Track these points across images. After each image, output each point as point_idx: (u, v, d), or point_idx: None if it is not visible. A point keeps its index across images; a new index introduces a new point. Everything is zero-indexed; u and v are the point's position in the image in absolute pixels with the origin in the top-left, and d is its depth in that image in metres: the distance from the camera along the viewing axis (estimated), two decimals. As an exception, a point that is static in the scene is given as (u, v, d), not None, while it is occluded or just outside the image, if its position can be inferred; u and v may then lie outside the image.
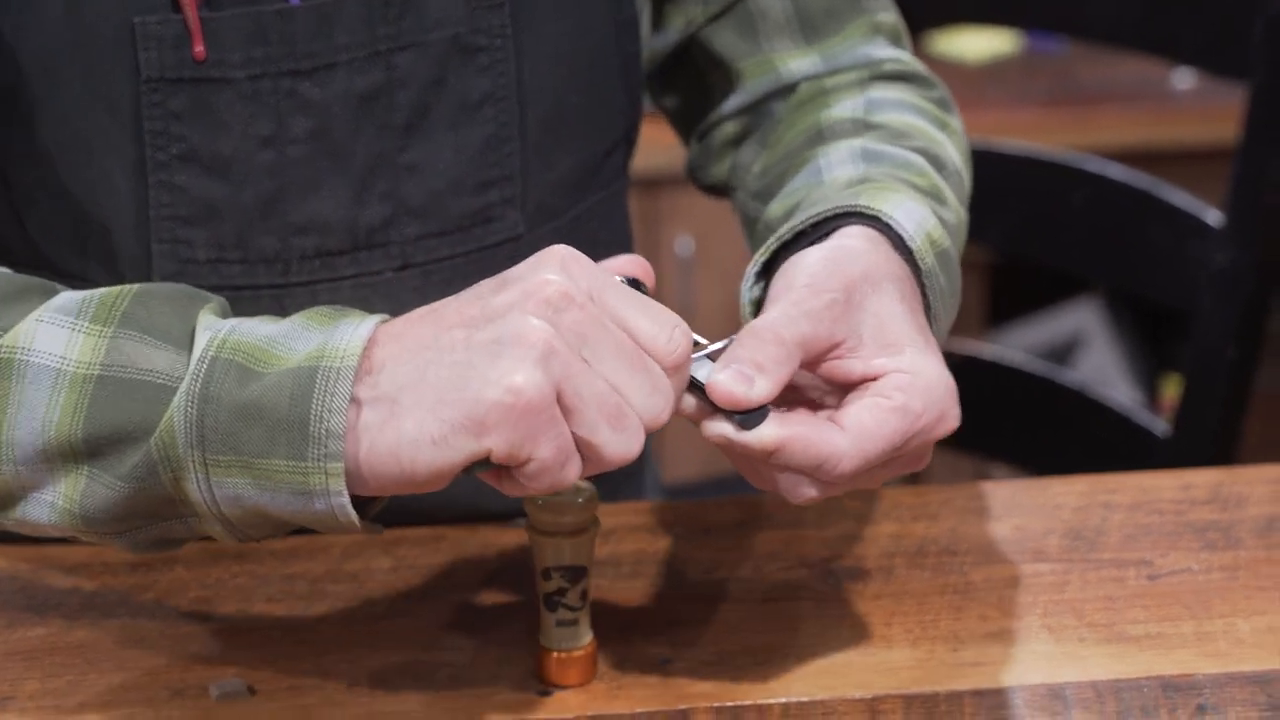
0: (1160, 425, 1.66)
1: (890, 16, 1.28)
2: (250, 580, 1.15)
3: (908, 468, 1.00)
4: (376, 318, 0.95)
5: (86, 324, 0.97)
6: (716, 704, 1.03)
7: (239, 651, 1.08)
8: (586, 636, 1.05)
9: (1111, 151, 2.25)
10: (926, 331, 1.01)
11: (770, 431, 0.95)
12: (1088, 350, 2.69)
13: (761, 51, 1.25)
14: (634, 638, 1.08)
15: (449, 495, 1.19)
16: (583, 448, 0.92)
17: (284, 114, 1.12)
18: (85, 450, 0.96)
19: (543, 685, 1.05)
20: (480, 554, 1.17)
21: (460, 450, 0.91)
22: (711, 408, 0.96)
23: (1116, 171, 1.69)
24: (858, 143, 1.16)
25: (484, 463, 0.92)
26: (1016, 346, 2.68)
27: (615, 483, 1.28)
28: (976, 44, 2.58)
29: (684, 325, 0.94)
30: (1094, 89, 2.48)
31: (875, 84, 1.23)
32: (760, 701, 1.03)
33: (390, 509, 1.19)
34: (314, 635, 1.10)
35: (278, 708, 1.04)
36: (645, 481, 1.35)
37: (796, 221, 1.06)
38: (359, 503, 0.95)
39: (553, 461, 0.90)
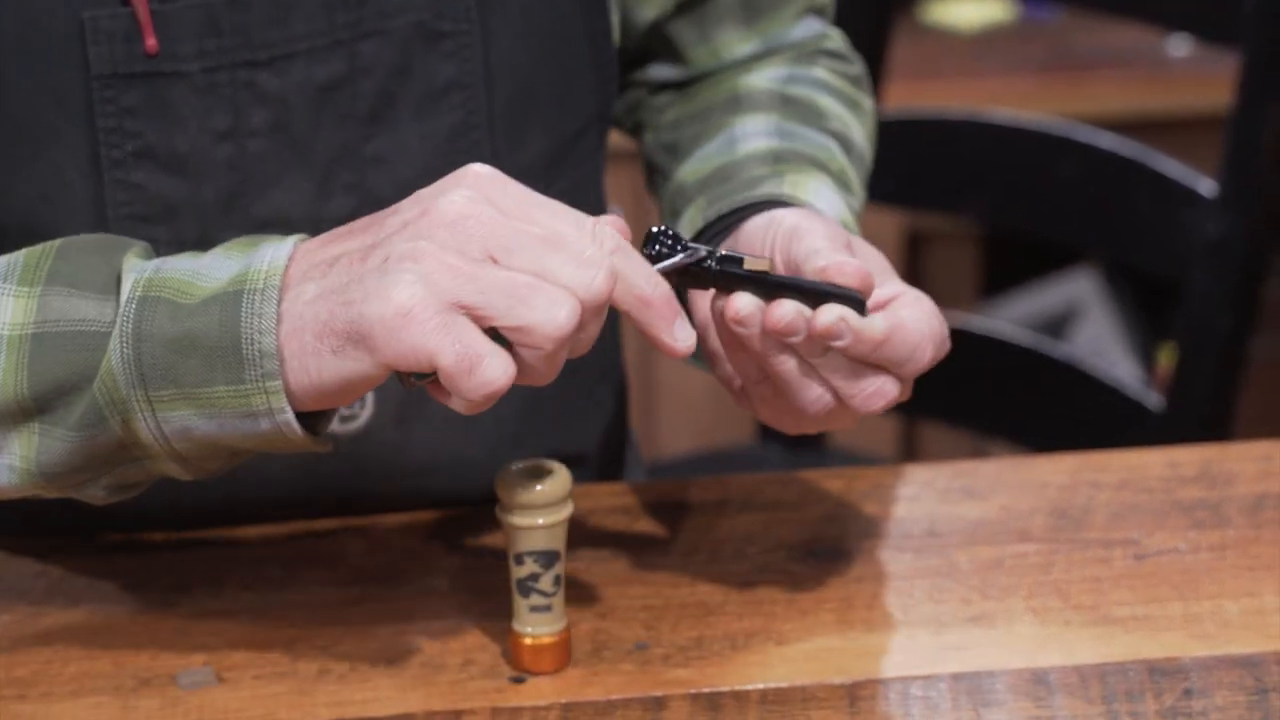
0: (1153, 398, 1.64)
1: None
2: (221, 565, 1.14)
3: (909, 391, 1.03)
4: (295, 237, 0.97)
5: (14, 286, 0.98)
6: (694, 690, 1.01)
7: (208, 638, 1.07)
8: (561, 622, 1.03)
9: (1106, 119, 2.23)
10: None
11: (880, 318, 0.99)
12: (1084, 320, 2.67)
13: (709, 41, 1.26)
14: (610, 622, 1.07)
15: (422, 482, 1.18)
16: (512, 338, 0.92)
17: (241, 106, 1.10)
18: (34, 407, 0.97)
19: (517, 671, 1.03)
20: (454, 538, 1.15)
21: (358, 361, 0.93)
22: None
23: (1107, 140, 1.67)
24: (774, 118, 1.19)
25: (413, 375, 0.93)
26: (1011, 317, 2.66)
27: (597, 463, 1.26)
28: (971, 12, 2.55)
29: (604, 222, 0.94)
30: (1088, 56, 2.46)
31: (799, 59, 1.26)
32: (738, 688, 1.01)
33: (365, 495, 1.18)
34: (285, 621, 1.08)
35: (246, 696, 1.02)
36: (627, 460, 1.33)
37: (723, 205, 1.10)
38: (308, 419, 0.97)
39: (457, 366, 0.91)
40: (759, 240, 1.05)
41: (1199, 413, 1.63)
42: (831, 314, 0.98)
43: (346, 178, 1.12)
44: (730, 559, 1.12)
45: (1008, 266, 2.67)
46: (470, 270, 0.91)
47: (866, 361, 1.00)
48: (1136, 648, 1.03)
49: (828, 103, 1.23)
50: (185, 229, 1.11)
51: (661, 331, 0.95)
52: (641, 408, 2.43)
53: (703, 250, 0.99)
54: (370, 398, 1.15)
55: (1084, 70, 2.44)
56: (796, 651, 1.04)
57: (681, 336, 0.96)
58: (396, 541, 1.15)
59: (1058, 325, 2.66)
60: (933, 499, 1.17)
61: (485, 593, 1.09)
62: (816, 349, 0.99)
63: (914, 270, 2.52)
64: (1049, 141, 1.70)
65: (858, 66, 1.29)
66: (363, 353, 0.92)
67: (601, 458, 1.27)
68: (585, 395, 1.24)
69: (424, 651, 1.05)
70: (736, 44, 1.26)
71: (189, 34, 1.08)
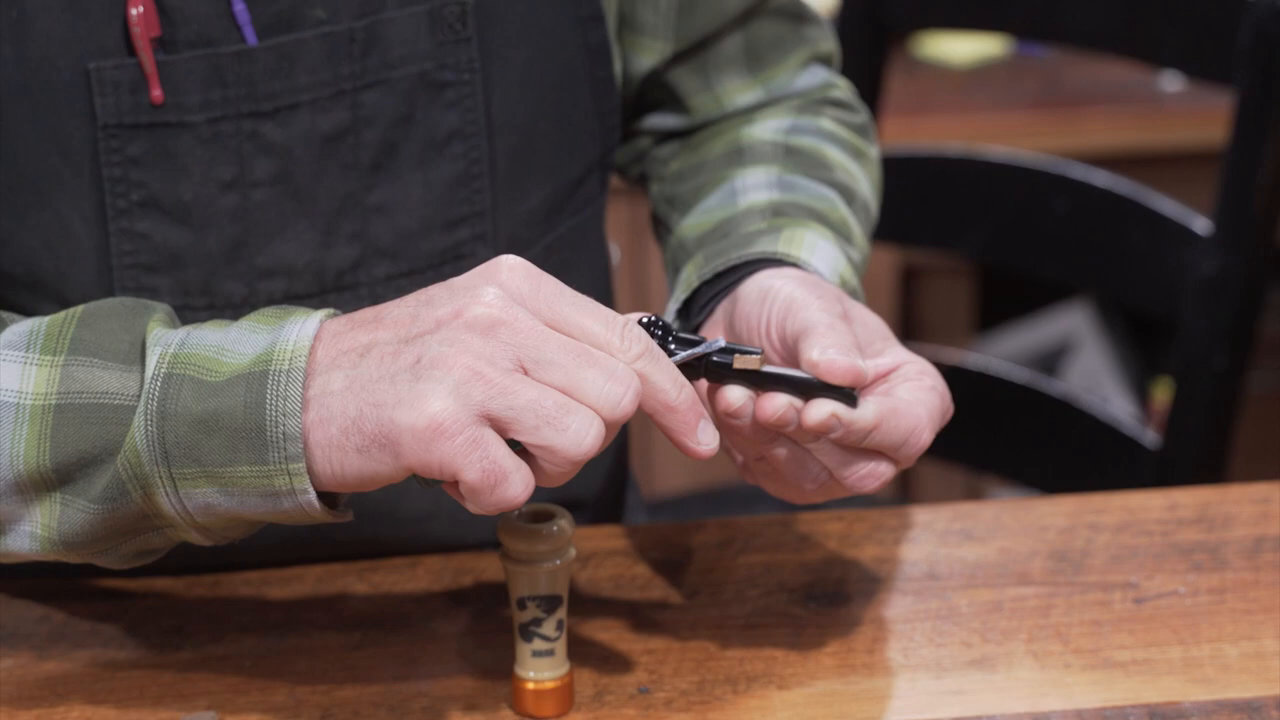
0: (1149, 436, 1.64)
1: (828, 45, 1.30)
2: (223, 609, 1.14)
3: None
4: (321, 314, 0.96)
5: (37, 355, 0.98)
6: (695, 735, 1.02)
7: (211, 682, 1.07)
8: (563, 667, 1.03)
9: (1100, 155, 2.24)
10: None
11: (870, 408, 0.99)
12: (1078, 355, 2.67)
13: (711, 89, 1.26)
14: (612, 666, 1.07)
15: (424, 528, 1.18)
16: (535, 453, 0.92)
17: (246, 157, 1.10)
18: (56, 478, 0.97)
19: (520, 716, 1.03)
20: (456, 582, 1.15)
21: (382, 463, 0.92)
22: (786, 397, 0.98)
23: (1101, 178, 1.67)
24: (775, 170, 1.20)
25: (430, 479, 0.93)
26: (1006, 351, 2.67)
27: (597, 507, 1.27)
28: (964, 47, 2.56)
29: (635, 323, 0.95)
30: (1081, 92, 2.47)
31: (803, 109, 1.26)
32: (740, 732, 1.02)
33: (365, 542, 1.18)
34: (287, 665, 1.08)
35: (249, 742, 1.02)
36: (628, 502, 1.34)
37: (719, 263, 1.10)
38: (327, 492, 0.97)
39: (481, 483, 0.91)
40: (754, 315, 1.05)
41: (1195, 450, 1.63)
42: (822, 411, 0.98)
43: (349, 227, 1.13)
44: (731, 602, 1.12)
45: (1002, 301, 2.67)
46: (502, 383, 0.91)
47: (859, 449, 1.00)
48: (1137, 692, 1.03)
49: (832, 153, 1.23)
50: (189, 278, 1.11)
51: (686, 436, 0.95)
52: (639, 444, 2.44)
53: (699, 346, 0.99)
54: None
55: (1077, 106, 2.44)
56: (798, 695, 1.04)
57: (705, 440, 0.95)
58: (398, 586, 1.15)
59: (1052, 359, 2.67)
60: (932, 541, 1.17)
61: (487, 637, 1.09)
62: (809, 437, 1.00)
63: (909, 305, 2.53)
64: (1044, 179, 1.70)
65: (863, 115, 1.29)
66: (388, 456, 0.92)
67: (602, 501, 1.27)
68: None
69: (426, 696, 1.05)
70: (740, 93, 1.26)
71: (194, 85, 1.08)
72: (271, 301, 1.12)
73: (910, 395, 1.01)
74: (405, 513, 1.17)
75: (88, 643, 1.11)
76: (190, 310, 1.11)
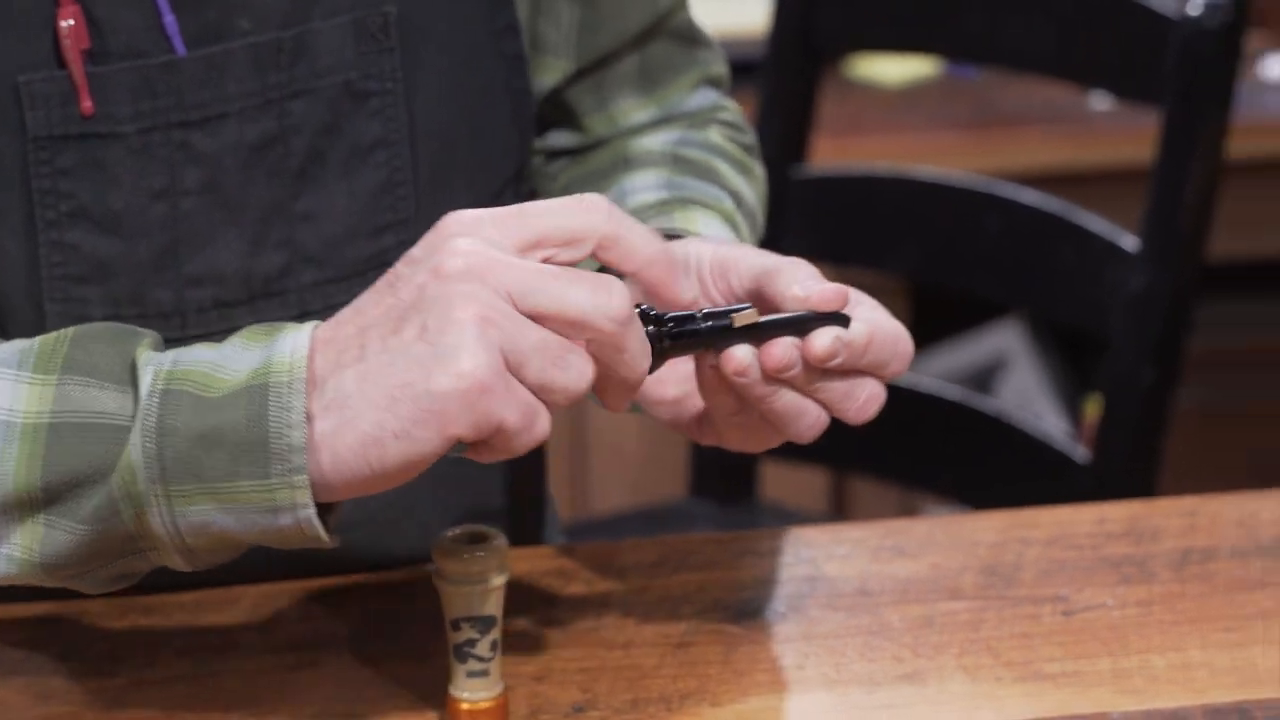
0: (1080, 452, 1.66)
1: (720, 68, 1.32)
2: (157, 634, 1.14)
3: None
4: (310, 325, 0.96)
5: (29, 374, 0.97)
6: (630, 752, 1.02)
7: (144, 708, 1.07)
8: (498, 687, 1.04)
9: (1031, 174, 2.26)
10: None
11: (860, 325, 1.00)
12: (1011, 372, 2.69)
13: (606, 108, 1.27)
14: (547, 686, 1.07)
15: (353, 542, 1.18)
16: (540, 394, 0.93)
17: (175, 166, 1.10)
18: (43, 498, 0.96)
19: (454, 736, 1.04)
20: (390, 603, 1.15)
21: (427, 442, 0.92)
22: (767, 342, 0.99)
23: (1031, 196, 1.69)
24: (664, 173, 1.21)
25: (458, 444, 0.93)
26: (940, 369, 2.68)
27: (510, 521, 1.27)
28: (895, 68, 2.58)
29: (588, 196, 0.96)
30: (1012, 112, 2.48)
31: (691, 125, 1.28)
32: (674, 749, 1.02)
33: (297, 560, 1.18)
34: (221, 689, 1.08)
35: (184, 765, 1.02)
36: (546, 521, 1.34)
37: None
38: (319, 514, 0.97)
39: (520, 424, 0.92)
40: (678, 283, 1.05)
41: (1124, 465, 1.65)
42: (825, 339, 0.99)
43: (277, 235, 1.13)
44: (665, 620, 1.13)
45: (936, 318, 2.69)
46: (511, 325, 0.91)
47: (854, 371, 1.01)
48: (1066, 704, 1.04)
49: (719, 164, 1.25)
50: (119, 288, 1.11)
51: (666, 289, 0.96)
52: (573, 463, 2.44)
53: (690, 320, 0.99)
54: None
55: (1008, 125, 2.46)
56: (731, 712, 1.05)
57: (684, 289, 0.97)
58: (331, 606, 1.15)
59: (985, 376, 2.68)
60: (864, 558, 1.18)
61: (421, 657, 1.10)
62: (813, 377, 1.00)
63: (842, 324, 2.53)
64: (974, 198, 1.72)
65: (750, 136, 1.31)
66: (431, 432, 0.91)
67: (514, 515, 1.27)
68: None
69: (361, 717, 1.05)
70: (633, 111, 1.27)
71: (124, 96, 1.09)
72: (201, 310, 1.13)
73: (876, 314, 1.02)
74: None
75: (21, 669, 1.11)
76: (120, 319, 1.11)
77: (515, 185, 1.22)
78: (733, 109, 1.31)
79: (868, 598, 1.14)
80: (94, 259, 1.10)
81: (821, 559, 1.18)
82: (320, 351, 0.94)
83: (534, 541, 1.32)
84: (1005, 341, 2.69)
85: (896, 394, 1.76)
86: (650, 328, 0.98)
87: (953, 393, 1.75)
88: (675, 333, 0.99)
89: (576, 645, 1.11)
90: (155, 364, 0.96)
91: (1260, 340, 2.73)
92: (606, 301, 0.93)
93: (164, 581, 1.16)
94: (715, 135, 1.28)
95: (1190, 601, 1.13)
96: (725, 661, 1.09)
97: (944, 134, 2.46)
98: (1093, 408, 2.64)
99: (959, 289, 1.79)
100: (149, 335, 0.99)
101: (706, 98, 1.30)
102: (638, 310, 0.97)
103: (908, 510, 2.54)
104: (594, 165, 1.26)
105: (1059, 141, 2.44)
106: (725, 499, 1.90)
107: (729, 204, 1.20)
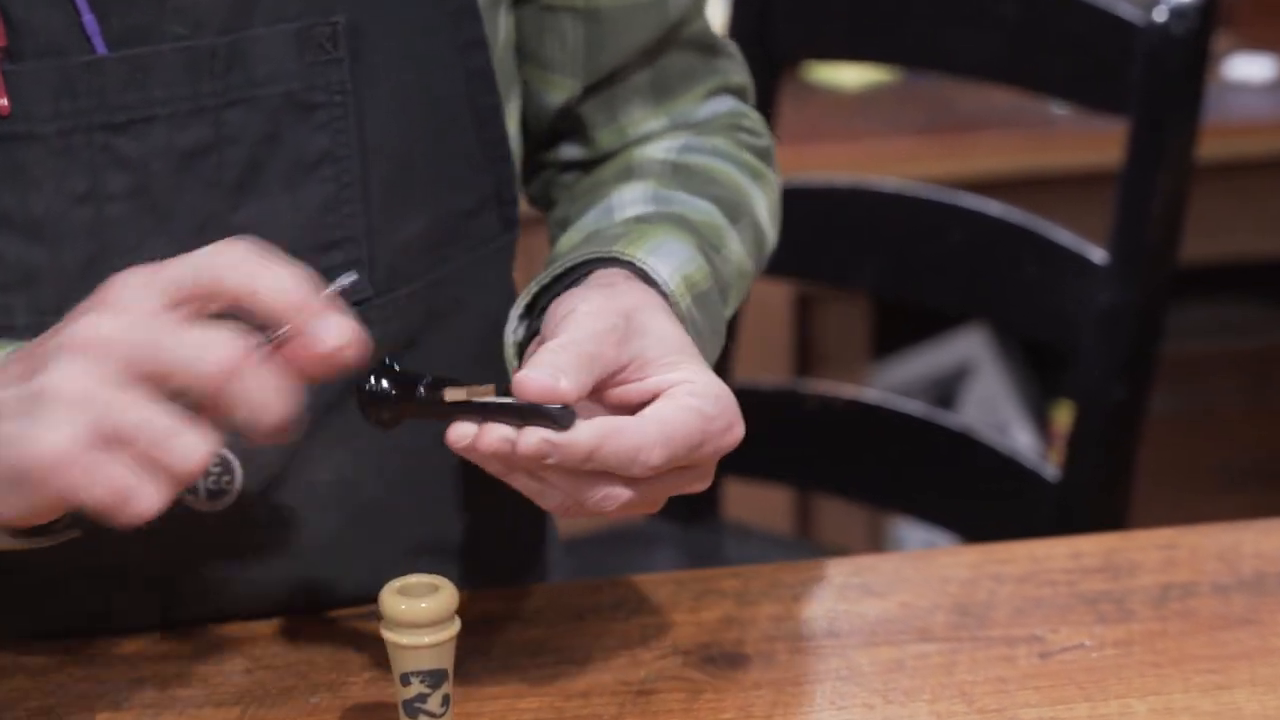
0: (1049, 469, 1.62)
1: (741, 78, 1.29)
2: (94, 686, 1.09)
3: (695, 482, 1.01)
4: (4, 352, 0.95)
5: None
6: (590, 811, 0.98)
7: (82, 768, 1.02)
8: (451, 743, 0.99)
9: (991, 178, 2.22)
10: (700, 354, 1.04)
11: (586, 429, 0.96)
12: (977, 379, 2.66)
13: (616, 121, 1.24)
14: (502, 740, 1.03)
15: (299, 578, 1.14)
16: (150, 471, 0.90)
17: (99, 169, 1.07)
18: None
19: (406, 795, 0.99)
20: (337, 651, 1.11)
21: (22, 501, 0.92)
22: (516, 429, 0.96)
23: (995, 208, 1.65)
24: (652, 185, 1.18)
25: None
26: (904, 377, 2.65)
27: (518, 566, 1.24)
28: (854, 73, 2.54)
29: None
30: (972, 116, 2.45)
31: (701, 131, 1.24)
32: (636, 806, 0.98)
33: (241, 597, 1.14)
34: (162, 747, 1.04)
35: (122, 832, 0.98)
36: (547, 558, 1.31)
37: (557, 267, 1.08)
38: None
39: (111, 500, 0.90)
40: (552, 326, 1.03)
41: (1096, 481, 1.61)
42: (531, 439, 0.96)
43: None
44: (625, 667, 1.09)
45: (899, 326, 2.66)
46: (107, 407, 0.89)
47: (584, 472, 0.98)
48: (1044, 752, 1.01)
49: (722, 170, 1.21)
50: (44, 296, 1.08)
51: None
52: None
53: (420, 383, 0.98)
54: (239, 474, 1.11)
55: (968, 130, 2.43)
56: (696, 766, 1.01)
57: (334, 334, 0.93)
58: (277, 656, 1.11)
59: (951, 384, 2.65)
60: (831, 596, 1.14)
61: (371, 710, 1.05)
62: (535, 465, 0.97)
63: (804, 333, 2.50)
64: (937, 210, 1.68)
65: (767, 140, 1.27)
66: (22, 498, 0.92)
67: (524, 563, 1.24)
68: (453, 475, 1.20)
69: (308, 777, 1.01)
70: (643, 122, 1.24)
71: (44, 95, 1.05)
72: None
73: (653, 413, 0.98)
74: (271, 548, 1.14)
75: (-48, 727, 1.06)
76: (45, 328, 1.07)
77: (497, 206, 1.18)
78: (753, 116, 1.28)
79: (836, 639, 1.10)
80: (18, 266, 1.07)
81: (787, 598, 1.14)
82: None
83: (535, 558, 1.29)
84: (970, 348, 2.66)
85: (862, 411, 1.74)
86: (384, 383, 0.98)
87: (919, 409, 1.71)
88: (396, 397, 0.98)
89: (533, 695, 1.06)
90: None
91: (1227, 344, 2.70)
92: (200, 355, 0.90)
93: (106, 626, 1.12)
94: (721, 140, 1.24)
95: (1171, 640, 1.09)
96: (687, 710, 1.05)
97: (904, 139, 2.42)
98: (1061, 415, 2.61)
99: (920, 303, 1.75)
100: None
101: (723, 104, 1.26)
102: (383, 363, 0.97)
103: (875, 530, 2.50)
104: (601, 177, 1.23)
105: (1020, 145, 2.41)
106: (688, 519, 1.86)
107: (716, 218, 1.16)
